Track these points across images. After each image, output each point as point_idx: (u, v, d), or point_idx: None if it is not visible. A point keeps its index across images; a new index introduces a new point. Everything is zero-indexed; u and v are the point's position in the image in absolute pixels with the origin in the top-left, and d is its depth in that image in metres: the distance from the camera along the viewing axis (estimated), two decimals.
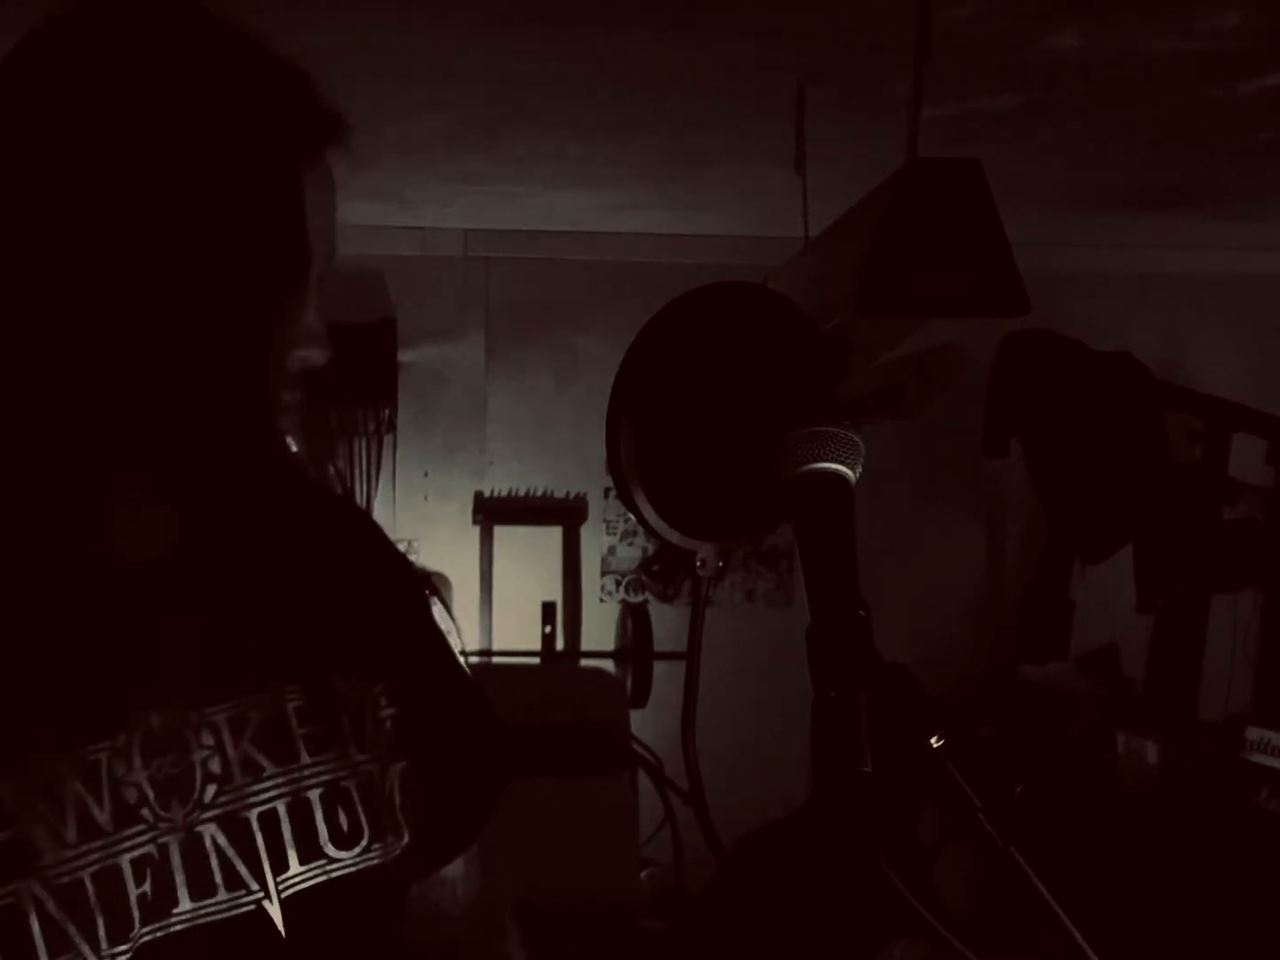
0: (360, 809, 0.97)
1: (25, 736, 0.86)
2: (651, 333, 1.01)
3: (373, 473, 4.76)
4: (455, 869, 1.09)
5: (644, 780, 3.67)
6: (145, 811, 0.89)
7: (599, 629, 4.65)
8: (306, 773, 0.95)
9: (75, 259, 0.84)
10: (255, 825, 0.93)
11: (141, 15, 0.88)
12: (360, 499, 4.77)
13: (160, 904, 0.89)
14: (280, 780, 0.94)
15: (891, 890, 0.86)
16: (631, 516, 1.03)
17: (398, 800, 0.99)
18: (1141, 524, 4.27)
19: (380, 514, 4.72)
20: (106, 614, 0.90)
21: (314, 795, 0.95)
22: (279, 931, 0.92)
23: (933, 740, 0.87)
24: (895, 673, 0.88)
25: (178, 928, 0.89)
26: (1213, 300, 4.89)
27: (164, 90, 0.85)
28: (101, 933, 0.86)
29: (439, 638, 1.10)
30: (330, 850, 0.95)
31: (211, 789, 0.92)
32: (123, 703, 0.90)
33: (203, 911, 0.90)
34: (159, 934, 0.89)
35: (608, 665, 4.48)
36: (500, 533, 4.68)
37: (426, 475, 4.78)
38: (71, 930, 0.85)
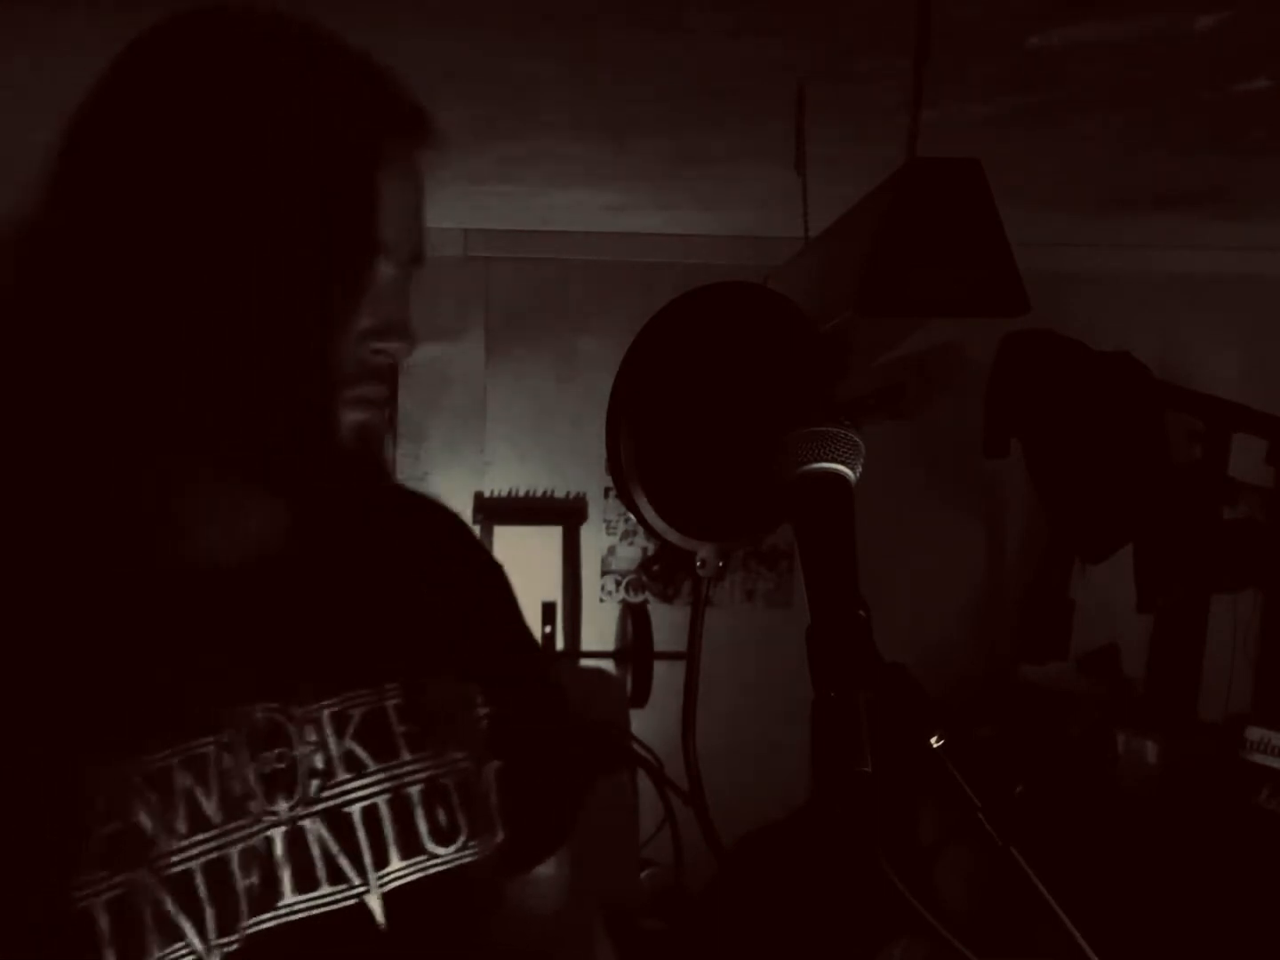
0: (458, 807, 0.98)
1: (134, 729, 0.87)
2: (651, 333, 1.01)
3: None
4: (547, 869, 1.11)
5: (644, 780, 3.67)
6: (252, 804, 0.91)
7: (599, 629, 4.64)
8: (406, 770, 0.96)
9: (157, 255, 0.87)
10: (358, 820, 0.94)
11: (226, 26, 0.93)
12: None
13: (266, 896, 0.90)
14: (382, 777, 0.95)
15: (891, 890, 0.86)
16: (631, 516, 1.03)
17: (493, 799, 1.01)
18: (1141, 524, 4.27)
19: None
20: (213, 611, 0.92)
21: (414, 792, 0.96)
22: (379, 925, 0.93)
23: (933, 740, 0.87)
24: (895, 673, 0.88)
25: (283, 920, 0.90)
26: (1213, 300, 4.89)
27: (241, 95, 0.88)
28: (211, 924, 0.87)
29: (529, 639, 1.13)
30: (430, 846, 0.96)
31: (315, 784, 0.93)
32: (229, 698, 0.91)
33: (307, 904, 0.92)
34: (265, 926, 0.90)
35: (608, 665, 4.48)
36: (500, 533, 4.67)
37: (426, 475, 4.78)
38: (182, 921, 0.86)
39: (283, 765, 0.92)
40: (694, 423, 0.98)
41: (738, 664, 4.33)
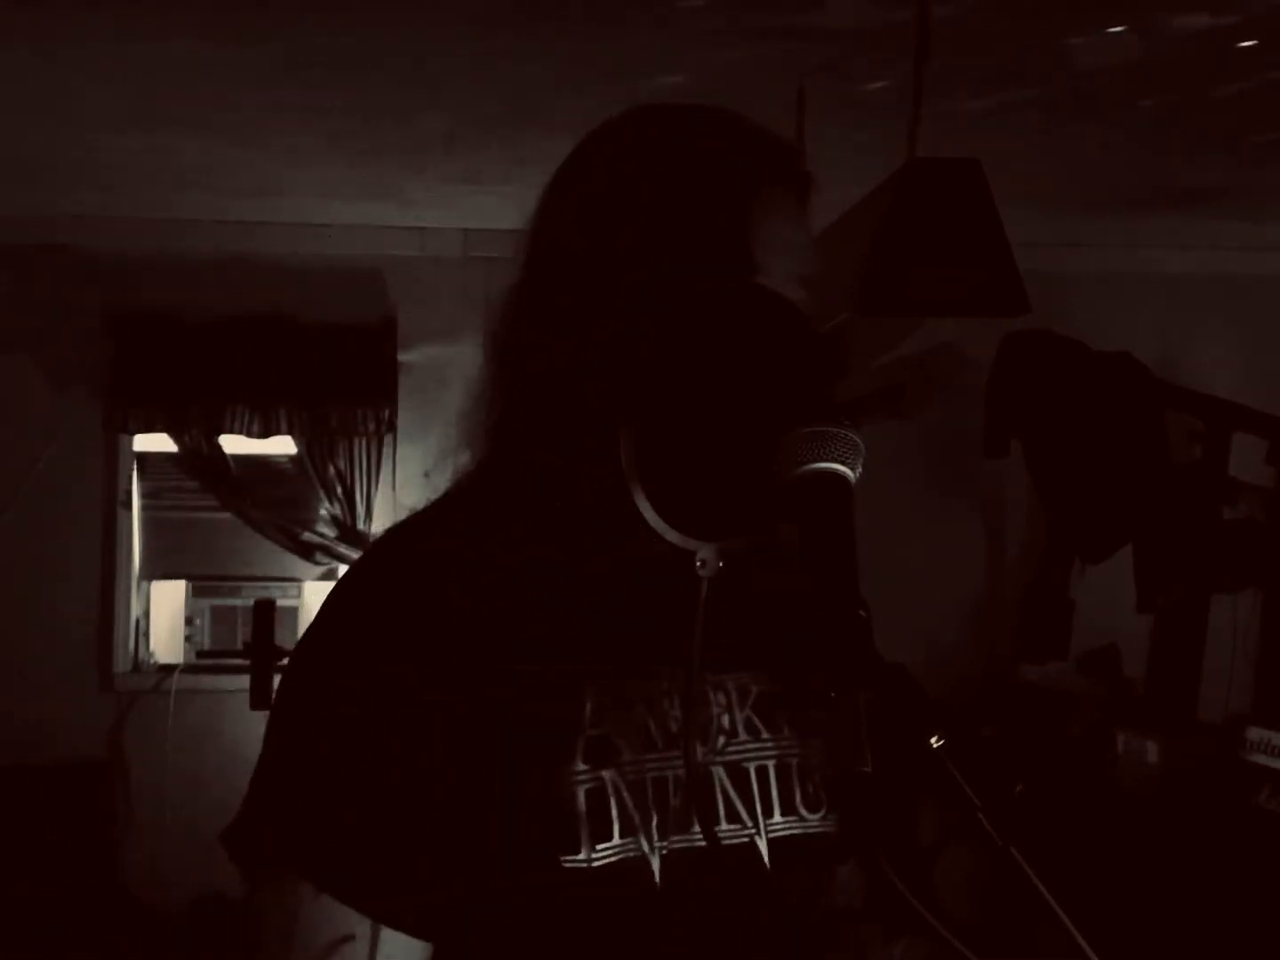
0: (821, 785, 1.15)
1: (612, 662, 1.07)
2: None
3: (373, 473, 4.76)
4: (847, 872, 1.26)
5: None
6: (680, 744, 1.08)
7: None
8: (788, 745, 1.14)
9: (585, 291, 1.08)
10: (752, 775, 1.12)
11: (652, 117, 1.20)
12: (360, 499, 4.77)
13: (685, 820, 1.07)
14: (770, 745, 1.14)
15: (891, 890, 0.86)
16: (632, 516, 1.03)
17: (840, 791, 1.17)
18: (1141, 524, 4.27)
19: (380, 514, 4.73)
20: (663, 586, 1.08)
21: (794, 763, 1.14)
22: (764, 863, 1.10)
23: (933, 740, 0.87)
24: (895, 673, 0.88)
25: (695, 843, 1.07)
26: (1213, 300, 4.89)
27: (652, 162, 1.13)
28: (654, 827, 1.06)
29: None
30: (802, 810, 1.14)
31: (721, 739, 1.11)
32: (669, 655, 1.08)
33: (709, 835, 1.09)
34: (682, 845, 1.07)
35: None
36: None
37: (426, 475, 4.77)
38: (637, 819, 1.05)
39: (700, 719, 1.11)
40: (694, 422, 0.98)
41: None
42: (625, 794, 1.06)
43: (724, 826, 1.10)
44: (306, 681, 1.09)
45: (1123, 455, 4.18)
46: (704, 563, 1.01)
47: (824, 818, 1.15)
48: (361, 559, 1.15)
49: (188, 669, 4.71)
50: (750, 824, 1.11)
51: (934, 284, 2.31)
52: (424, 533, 1.15)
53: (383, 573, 1.11)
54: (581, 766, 1.04)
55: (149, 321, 4.58)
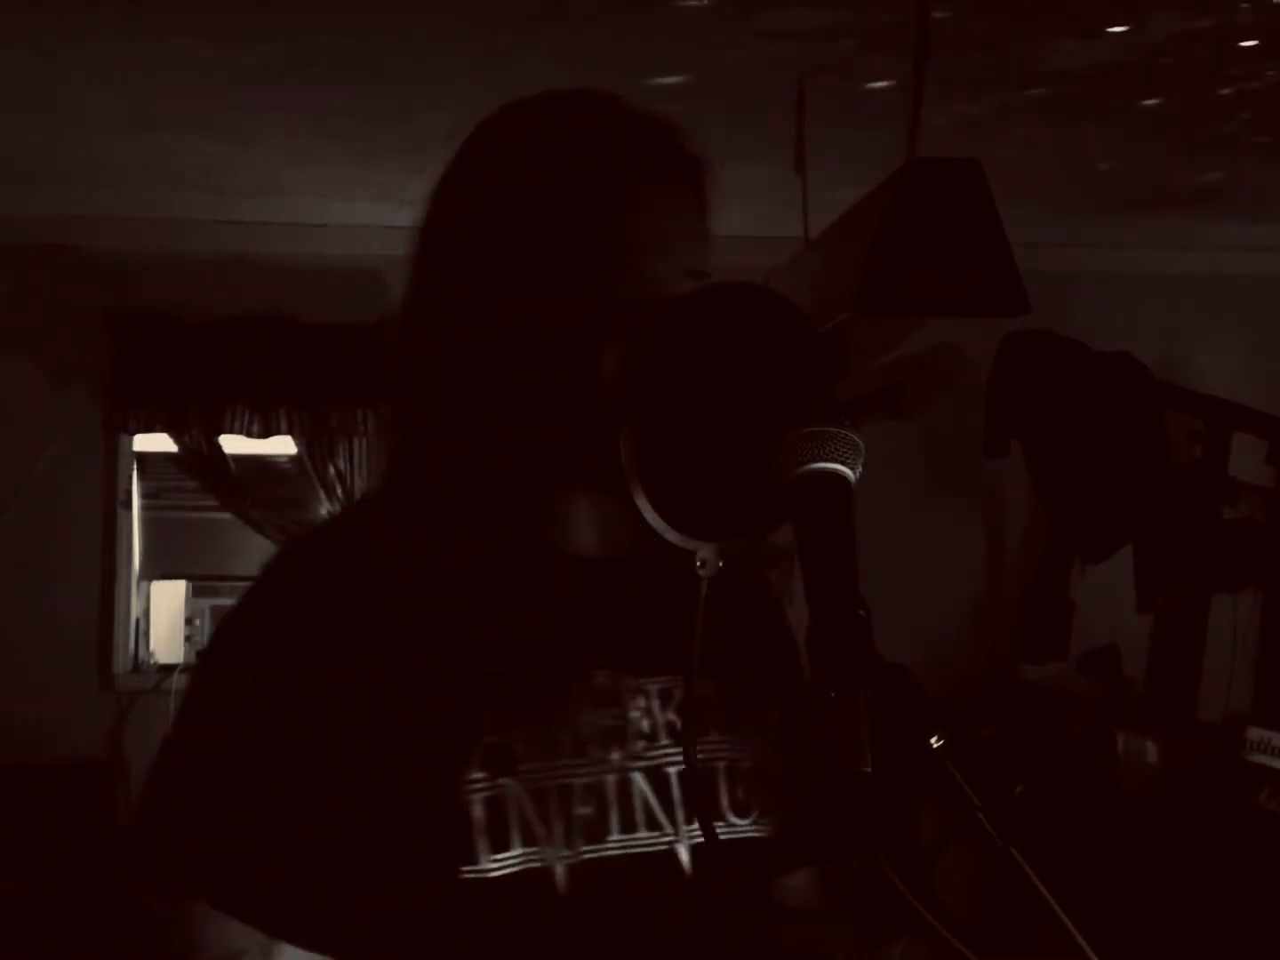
0: (752, 789, 1.13)
1: (514, 668, 1.05)
2: (651, 332, 1.01)
3: (372, 473, 4.76)
4: (799, 879, 1.25)
5: None
6: (592, 749, 1.07)
7: None
8: (714, 748, 1.12)
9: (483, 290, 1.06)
10: (673, 781, 1.10)
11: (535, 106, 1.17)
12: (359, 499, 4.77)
13: (598, 828, 1.06)
14: (696, 749, 1.09)
15: (891, 890, 0.86)
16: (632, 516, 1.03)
17: (778, 794, 1.15)
18: (1141, 524, 4.27)
19: None
20: (575, 590, 1.09)
21: (720, 766, 1.12)
22: (685, 872, 1.08)
23: (933, 740, 0.87)
24: (895, 673, 0.88)
25: (610, 852, 1.06)
26: (1213, 300, 4.89)
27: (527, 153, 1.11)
28: (558, 836, 1.03)
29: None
30: (729, 815, 1.11)
31: (641, 744, 1.09)
32: (582, 659, 1.08)
33: (629, 843, 1.07)
34: (596, 854, 1.05)
35: None
36: None
37: None
38: (539, 829, 1.03)
39: (618, 722, 1.08)
40: (694, 422, 0.98)
41: None
42: (526, 802, 1.03)
43: (642, 834, 1.07)
44: (202, 696, 1.09)
45: (1123, 455, 4.18)
46: (704, 563, 1.00)
47: (755, 823, 1.13)
48: (262, 573, 1.12)
49: (188, 669, 4.71)
50: (670, 831, 1.08)
51: (934, 284, 2.31)
52: (324, 543, 1.15)
53: (281, 587, 1.09)
54: (478, 775, 1.02)
55: (149, 321, 4.58)
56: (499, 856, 1.01)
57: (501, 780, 1.03)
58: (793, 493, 0.92)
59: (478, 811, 1.01)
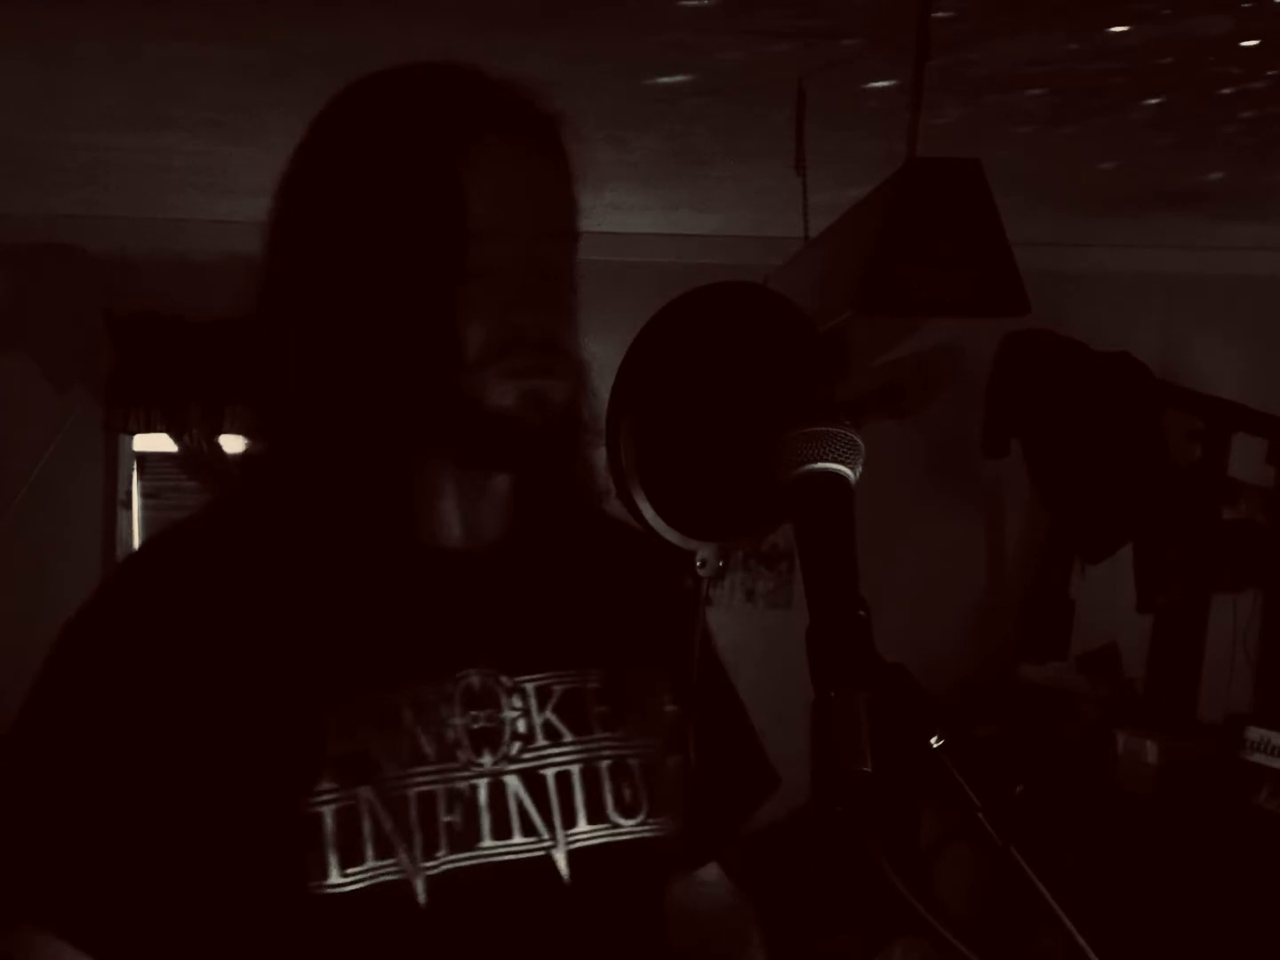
0: (641, 786, 1.09)
1: (369, 672, 1.00)
2: (651, 332, 1.01)
3: None
4: (710, 873, 1.22)
5: None
6: (460, 753, 1.03)
7: None
8: (598, 745, 1.08)
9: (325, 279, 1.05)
10: (551, 783, 1.05)
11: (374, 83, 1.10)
12: None
13: (466, 836, 1.01)
14: (576, 748, 1.07)
15: (891, 890, 0.86)
16: (631, 516, 1.03)
17: (672, 789, 1.11)
18: (1141, 524, 4.27)
19: None
20: (443, 585, 1.05)
21: (603, 766, 1.07)
22: (563, 878, 1.04)
23: (933, 740, 0.86)
24: (895, 673, 0.88)
25: (481, 860, 1.01)
26: (1213, 300, 4.89)
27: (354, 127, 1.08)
28: (418, 847, 0.99)
29: (717, 658, 1.27)
30: (614, 816, 1.07)
31: (517, 745, 1.05)
32: (451, 659, 1.04)
33: (501, 850, 1.02)
34: (463, 863, 1.00)
35: None
36: None
37: None
38: (395, 839, 0.98)
39: (491, 724, 1.04)
40: (694, 423, 0.98)
41: (738, 664, 4.28)
42: (381, 812, 0.98)
43: (517, 840, 1.03)
44: (38, 710, 1.05)
45: (1123, 455, 4.18)
46: (704, 563, 1.00)
47: (643, 822, 1.08)
48: (110, 578, 1.09)
49: None
50: (547, 836, 1.04)
51: (934, 284, 2.31)
52: (173, 547, 1.11)
53: (125, 595, 1.06)
54: (328, 785, 0.98)
55: (149, 321, 4.58)
56: (351, 871, 0.97)
57: (356, 790, 0.98)
58: (793, 493, 0.92)
59: (328, 824, 0.97)
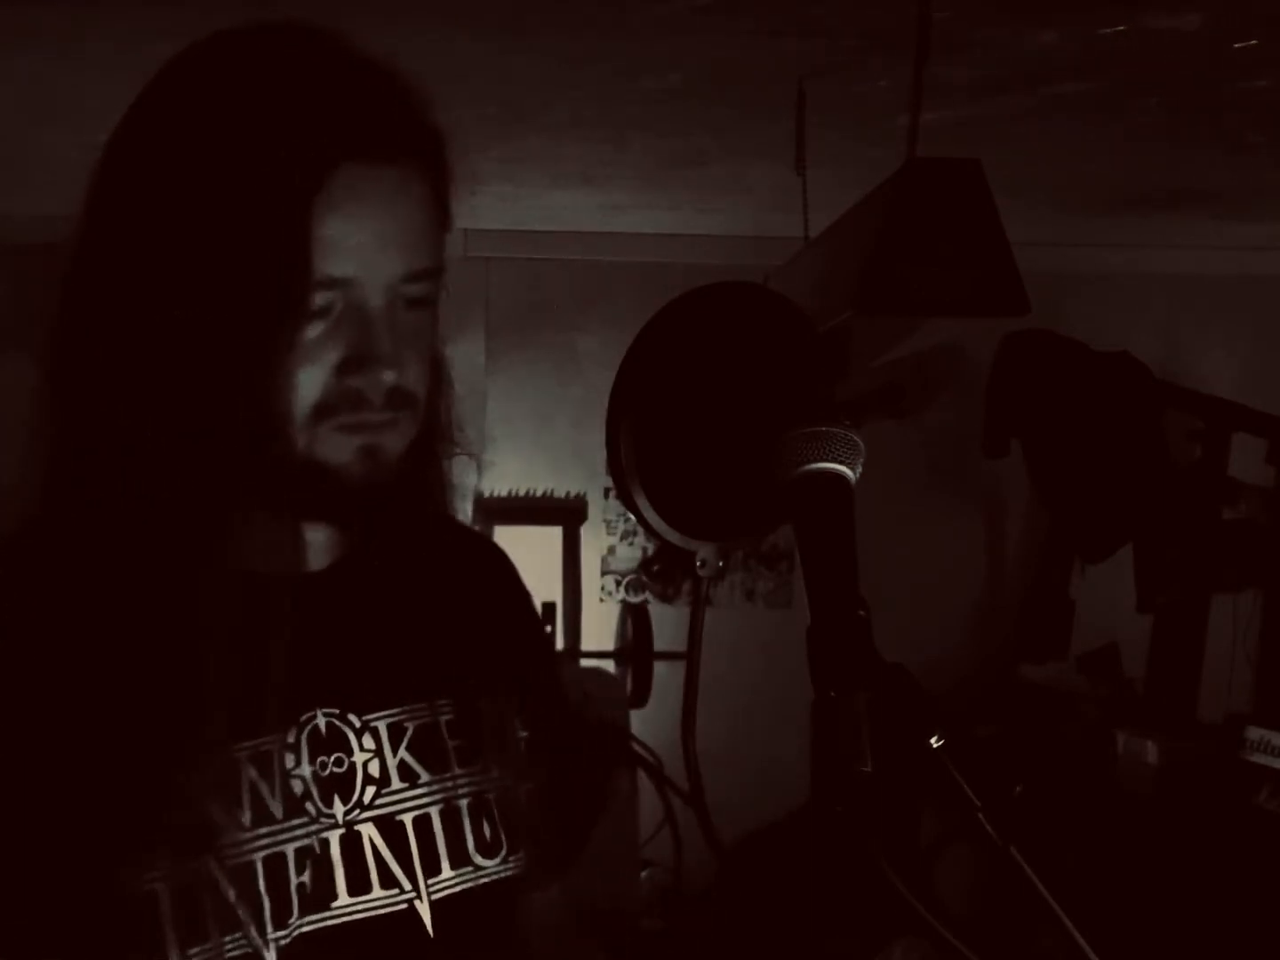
0: (499, 822, 1.02)
1: (201, 726, 0.89)
2: (651, 332, 1.01)
3: None
4: (548, 891, 1.15)
5: (644, 780, 3.67)
6: (309, 805, 0.95)
7: (599, 629, 4.65)
8: (457, 783, 1.01)
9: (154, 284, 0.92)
10: (410, 829, 0.98)
11: (225, 52, 1.00)
12: None
13: (319, 896, 0.93)
14: (435, 788, 0.99)
15: (891, 890, 0.86)
16: (631, 516, 1.03)
17: (525, 818, 1.05)
18: (1141, 524, 4.27)
19: None
20: (272, 617, 0.94)
21: (463, 805, 1.01)
22: (428, 932, 0.96)
23: (933, 740, 0.87)
24: (895, 673, 0.88)
25: (335, 921, 0.94)
26: (1213, 300, 4.89)
27: (209, 119, 0.95)
28: (267, 916, 0.91)
29: (557, 676, 1.19)
30: (476, 858, 1.00)
31: (370, 790, 0.97)
32: (292, 703, 0.95)
33: (359, 907, 0.95)
34: (317, 925, 0.93)
35: (608, 665, 4.48)
36: (500, 533, 4.68)
37: None
38: (242, 911, 0.90)
39: (340, 770, 0.96)
40: (694, 422, 0.98)
41: (738, 664, 4.33)
42: (224, 883, 0.89)
43: (376, 894, 0.95)
44: None
45: (1123, 455, 4.18)
46: (704, 563, 1.00)
47: (504, 860, 1.01)
48: None
49: None
50: (409, 887, 0.97)
51: (934, 284, 2.31)
52: None
53: None
54: (163, 861, 0.88)
55: None
56: (194, 951, 0.88)
57: (195, 861, 0.89)
58: (793, 493, 0.92)
59: (164, 902, 0.88)
